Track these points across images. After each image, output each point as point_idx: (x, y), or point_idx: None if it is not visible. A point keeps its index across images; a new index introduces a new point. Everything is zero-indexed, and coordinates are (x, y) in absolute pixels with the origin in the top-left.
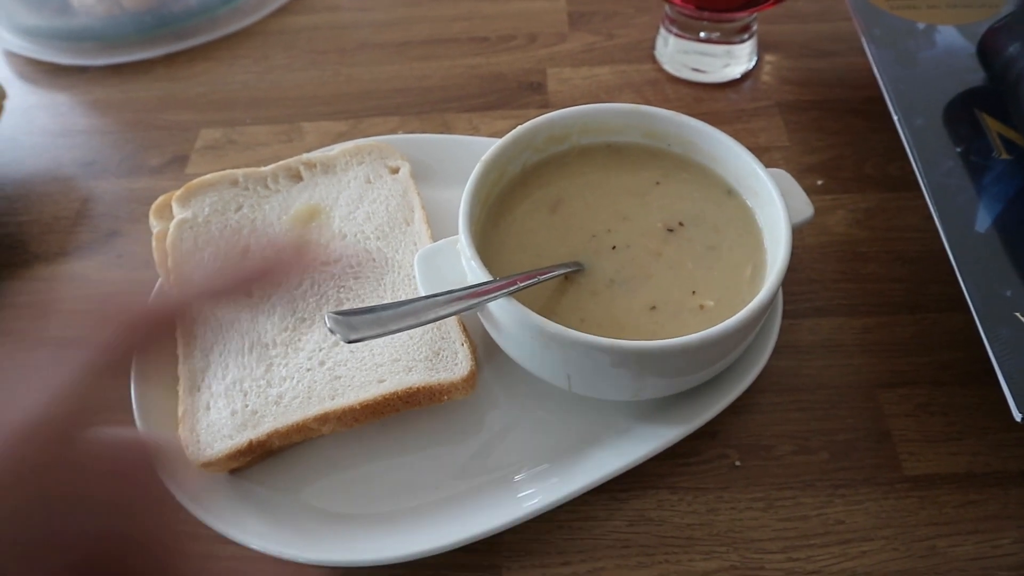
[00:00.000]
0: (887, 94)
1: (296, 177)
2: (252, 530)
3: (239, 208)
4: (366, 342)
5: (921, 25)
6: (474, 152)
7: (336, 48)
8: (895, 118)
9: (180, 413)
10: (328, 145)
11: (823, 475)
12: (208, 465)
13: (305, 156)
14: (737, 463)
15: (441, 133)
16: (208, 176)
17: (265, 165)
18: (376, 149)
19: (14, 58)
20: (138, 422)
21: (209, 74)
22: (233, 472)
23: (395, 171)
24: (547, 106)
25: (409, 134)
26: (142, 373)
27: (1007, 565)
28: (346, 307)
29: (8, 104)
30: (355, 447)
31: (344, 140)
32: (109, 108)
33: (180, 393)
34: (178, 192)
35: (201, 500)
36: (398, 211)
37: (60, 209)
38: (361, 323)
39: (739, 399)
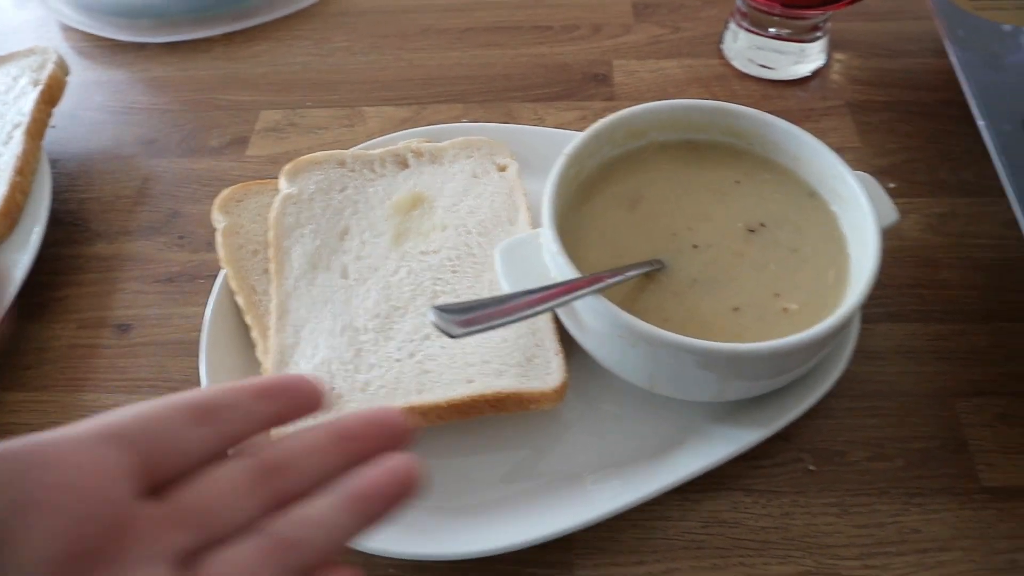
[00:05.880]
0: (972, 98)
1: (402, 164)
2: None
3: (343, 189)
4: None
5: (1008, 27)
6: (545, 143)
7: (397, 32)
8: (980, 123)
9: None
10: (390, 131)
11: (898, 483)
12: None
13: (414, 144)
14: (811, 467)
15: (505, 122)
16: (316, 154)
17: (326, 149)
18: (486, 145)
19: (72, 33)
20: None
21: (269, 54)
22: None
23: (503, 169)
24: (613, 99)
25: (474, 123)
26: (214, 344)
27: None
28: (441, 300)
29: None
30: (424, 440)
31: (407, 127)
32: (168, 86)
33: (267, 368)
34: (287, 167)
35: None
36: (502, 209)
37: (121, 188)
38: (466, 319)
39: (812, 403)
